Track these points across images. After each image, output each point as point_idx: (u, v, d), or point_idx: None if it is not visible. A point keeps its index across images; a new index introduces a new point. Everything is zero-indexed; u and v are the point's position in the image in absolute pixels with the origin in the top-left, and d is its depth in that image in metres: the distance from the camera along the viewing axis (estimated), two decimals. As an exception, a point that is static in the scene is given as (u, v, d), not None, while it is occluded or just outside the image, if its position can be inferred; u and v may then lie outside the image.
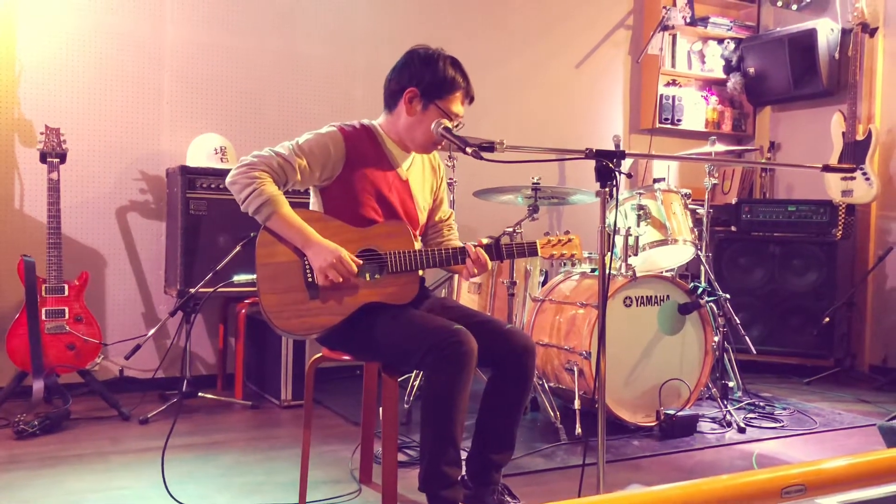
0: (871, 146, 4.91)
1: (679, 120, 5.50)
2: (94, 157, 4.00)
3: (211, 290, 3.62)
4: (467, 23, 4.94)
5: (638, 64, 5.45)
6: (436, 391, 2.19)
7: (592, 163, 2.19)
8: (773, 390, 4.48)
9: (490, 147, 2.20)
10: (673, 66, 5.48)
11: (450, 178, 3.96)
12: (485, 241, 2.47)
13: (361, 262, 2.31)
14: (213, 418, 3.63)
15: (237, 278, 2.34)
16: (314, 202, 2.47)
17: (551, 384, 3.69)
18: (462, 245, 2.42)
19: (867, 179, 4.92)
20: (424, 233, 2.64)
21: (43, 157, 3.59)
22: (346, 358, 2.44)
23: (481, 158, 2.19)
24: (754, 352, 3.98)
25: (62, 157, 3.61)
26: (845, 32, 5.18)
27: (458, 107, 2.43)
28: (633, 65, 5.48)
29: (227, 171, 3.87)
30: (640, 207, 3.70)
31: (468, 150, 2.20)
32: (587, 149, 2.20)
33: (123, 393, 3.92)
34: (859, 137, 4.97)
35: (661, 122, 5.42)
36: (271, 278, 2.29)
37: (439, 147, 2.53)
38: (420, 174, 2.57)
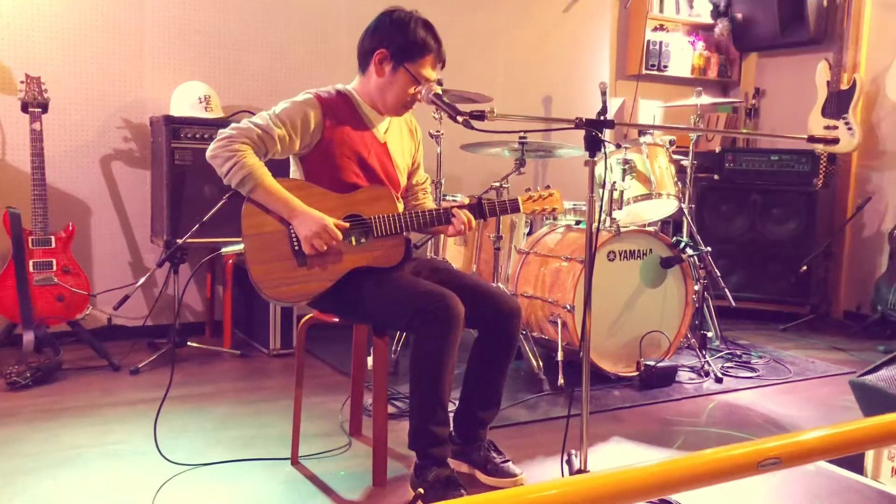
0: (855, 96, 4.94)
1: (665, 66, 5.48)
2: (76, 105, 3.95)
3: (198, 240, 3.66)
4: (454, -34, 4.85)
5: (626, 10, 5.39)
6: (424, 354, 2.24)
7: (577, 133, 2.21)
8: (751, 337, 4.60)
9: (480, 116, 2.21)
10: (661, 10, 5.43)
11: (437, 131, 3.96)
12: (467, 200, 2.50)
13: (348, 225, 2.34)
14: (203, 368, 3.69)
15: (226, 250, 2.35)
16: (294, 170, 2.47)
17: (535, 334, 3.77)
18: (445, 208, 2.44)
19: (849, 129, 4.96)
20: (404, 195, 2.66)
21: (24, 107, 3.54)
22: (336, 320, 2.48)
23: (472, 128, 2.19)
24: (733, 304, 4.07)
25: (44, 107, 3.57)
26: (835, -21, 5.15)
27: (428, 71, 2.42)
28: (621, 9, 5.42)
29: (211, 121, 3.90)
30: (626, 161, 3.72)
31: (459, 118, 2.20)
32: (577, 118, 2.22)
33: (112, 341, 3.96)
34: (844, 87, 4.99)
35: (647, 69, 5.40)
36: (259, 248, 2.31)
37: (413, 108, 2.53)
38: (398, 137, 2.58)
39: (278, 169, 2.43)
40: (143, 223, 4.15)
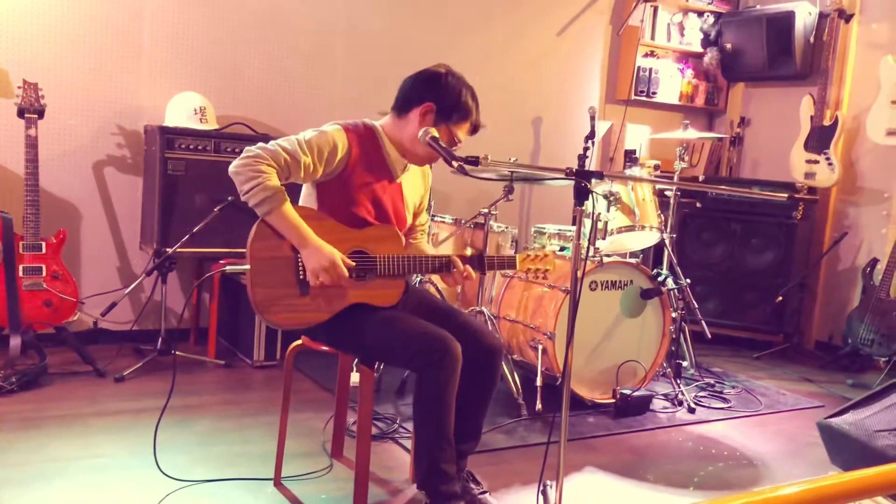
0: (837, 132, 5.06)
1: (654, 92, 5.57)
2: (71, 110, 3.98)
3: (188, 250, 3.71)
4: (451, -15, 4.91)
5: (618, 36, 5.48)
6: (428, 396, 2.33)
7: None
8: (725, 364, 4.71)
9: (475, 161, 2.27)
10: (652, 38, 5.52)
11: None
12: (469, 252, 2.58)
13: (353, 264, 2.40)
14: (188, 378, 3.73)
15: (230, 269, 2.39)
16: (307, 193, 2.51)
17: (515, 357, 3.85)
18: (448, 256, 2.51)
19: (830, 164, 5.08)
20: (405, 234, 2.73)
21: (21, 113, 3.57)
22: (325, 348, 2.54)
23: (465, 174, 2.27)
24: (709, 336, 4.17)
25: (40, 113, 3.60)
26: (822, 17, 5.26)
27: (463, 133, 2.54)
28: (613, 34, 5.51)
29: (206, 133, 3.94)
30: (611, 193, 3.81)
31: (454, 164, 2.27)
32: (567, 168, 2.29)
33: (97, 345, 4.01)
34: (826, 122, 5.10)
35: (636, 94, 5.49)
36: (264, 272, 2.35)
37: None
38: (412, 179, 2.66)
39: (289, 190, 2.48)
40: (132, 229, 4.19)
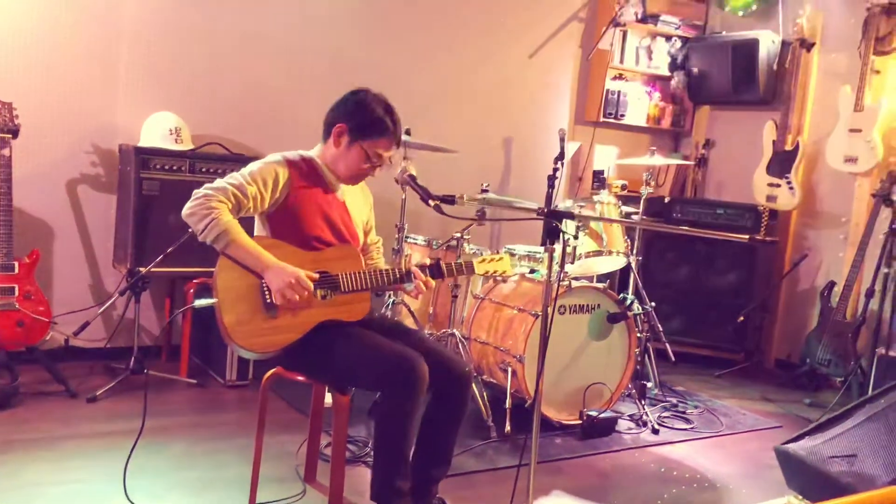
0: (798, 158, 5.22)
1: (622, 115, 5.70)
2: (45, 127, 3.98)
3: (162, 269, 3.74)
4: (425, 9, 4.98)
5: (588, 60, 5.59)
6: (391, 415, 2.41)
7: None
8: (688, 383, 4.84)
9: (451, 200, 2.36)
10: (621, 61, 5.65)
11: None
12: (427, 261, 2.69)
13: (318, 276, 2.47)
14: (160, 398, 3.75)
15: (199, 303, 2.43)
16: (259, 228, 2.61)
17: (485, 377, 3.93)
18: (407, 268, 2.62)
19: (791, 188, 5.24)
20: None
21: (-5, 133, 3.57)
22: (301, 378, 2.60)
23: (442, 213, 2.34)
24: (672, 359, 4.29)
25: (14, 133, 3.60)
26: (785, 45, 5.42)
27: (384, 150, 2.62)
28: (583, 58, 5.62)
29: (181, 153, 3.98)
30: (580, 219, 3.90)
31: (430, 202, 2.36)
32: (539, 208, 2.38)
33: (69, 362, 4.01)
34: (788, 147, 5.27)
35: (605, 116, 5.61)
36: (231, 301, 2.42)
37: (369, 176, 2.70)
38: (353, 197, 2.78)
39: (244, 227, 2.55)
40: (105, 247, 4.19)
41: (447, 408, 2.62)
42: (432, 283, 2.67)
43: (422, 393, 2.41)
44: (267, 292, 2.44)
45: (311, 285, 2.44)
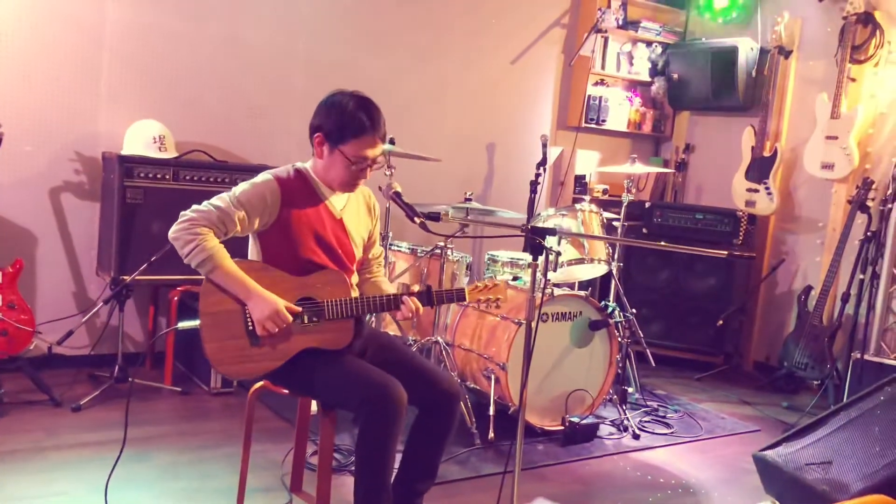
0: (776, 164, 5.30)
1: (604, 120, 5.75)
2: (28, 135, 3.97)
3: (146, 277, 3.74)
4: (408, 15, 5.01)
5: (570, 66, 5.64)
6: (371, 441, 2.41)
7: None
8: (668, 386, 4.91)
9: (436, 217, 2.39)
10: (603, 67, 5.70)
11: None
12: (416, 288, 2.66)
13: (300, 309, 2.48)
14: (145, 406, 3.76)
15: (182, 325, 2.45)
16: (252, 247, 2.60)
17: (468, 384, 3.97)
18: (395, 294, 2.59)
19: (769, 194, 5.32)
20: (359, 268, 2.80)
21: (-23, 142, 3.56)
22: (287, 392, 2.62)
23: (427, 230, 2.37)
24: (653, 365, 4.36)
25: (-3, 142, 3.60)
26: (763, 52, 5.49)
27: (365, 150, 2.48)
28: (565, 64, 5.67)
29: (165, 161, 3.98)
30: (562, 228, 3.95)
31: (416, 220, 2.38)
32: (523, 226, 2.42)
33: (52, 370, 4.01)
34: (766, 153, 5.34)
35: (586, 122, 5.66)
36: (214, 326, 2.43)
37: (363, 179, 2.59)
38: (355, 213, 2.71)
39: (237, 243, 2.56)
40: (88, 254, 4.19)
41: (435, 424, 2.62)
42: (421, 308, 2.59)
43: (400, 417, 2.41)
44: (249, 320, 2.44)
45: (290, 318, 2.44)
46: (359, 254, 2.72)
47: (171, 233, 2.41)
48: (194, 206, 2.45)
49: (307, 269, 2.53)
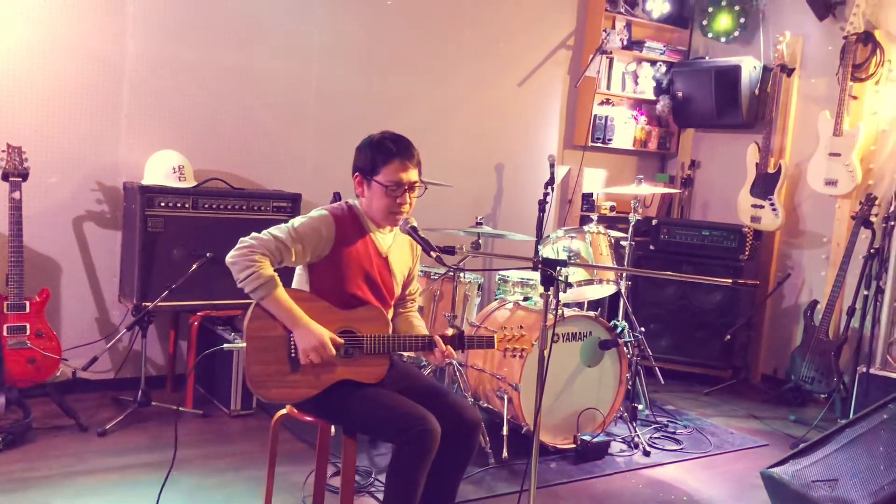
0: (780, 179, 5.39)
1: (610, 139, 5.86)
2: (52, 168, 4.10)
3: (167, 304, 3.85)
4: (418, 40, 5.13)
5: (576, 87, 5.75)
6: (403, 470, 2.53)
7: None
8: (677, 401, 4.99)
9: (451, 251, 2.50)
10: (608, 87, 5.81)
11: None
12: (449, 332, 2.75)
13: (342, 341, 2.60)
14: (168, 429, 3.87)
15: (227, 346, 2.57)
16: (300, 275, 2.72)
17: (482, 403, 4.07)
18: (430, 336, 2.70)
19: (774, 210, 5.41)
20: (396, 303, 2.93)
21: (5, 176, 3.69)
22: (309, 419, 2.73)
23: (443, 264, 2.48)
24: (662, 382, 4.45)
25: (24, 177, 3.72)
26: (766, 70, 5.59)
27: (398, 174, 2.63)
28: (571, 84, 5.78)
29: (185, 190, 4.10)
30: (572, 251, 4.05)
31: (432, 253, 2.49)
32: (534, 258, 2.52)
33: (77, 394, 4.12)
34: (770, 170, 5.44)
35: (592, 141, 5.77)
36: (259, 350, 2.56)
37: (406, 207, 2.71)
38: (399, 252, 2.85)
39: (283, 271, 2.66)
40: (110, 280, 4.31)
41: (456, 451, 2.72)
42: (453, 353, 2.71)
43: (433, 452, 2.52)
44: (293, 347, 2.57)
45: (334, 351, 2.56)
46: (398, 291, 2.86)
47: (230, 257, 2.54)
48: (253, 234, 2.58)
49: (351, 303, 2.66)
